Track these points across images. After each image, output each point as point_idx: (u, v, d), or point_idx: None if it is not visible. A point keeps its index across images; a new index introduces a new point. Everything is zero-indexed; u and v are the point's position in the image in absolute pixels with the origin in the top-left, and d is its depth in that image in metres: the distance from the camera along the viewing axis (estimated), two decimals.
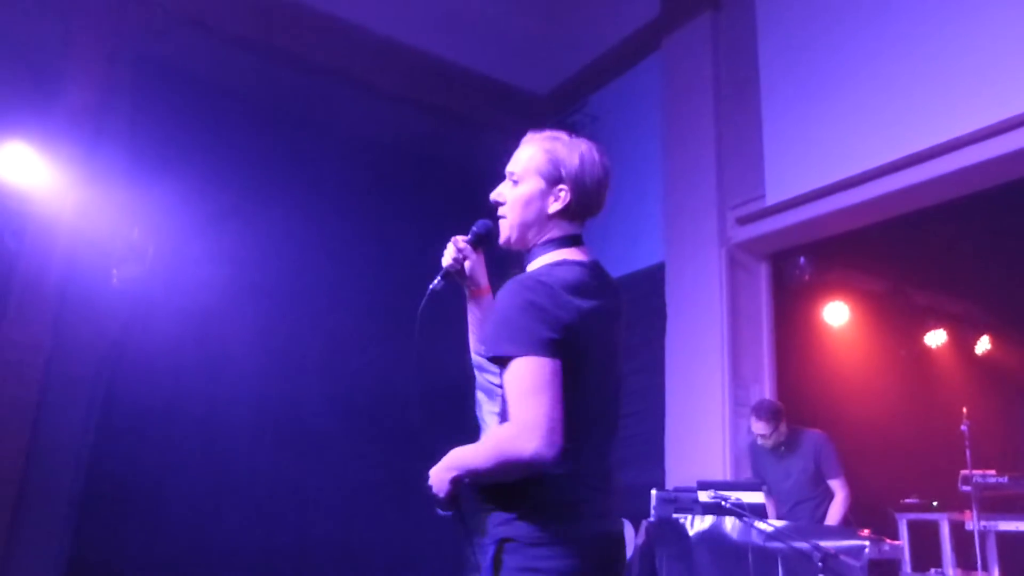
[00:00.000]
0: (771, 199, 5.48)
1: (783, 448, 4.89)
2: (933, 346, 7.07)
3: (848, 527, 4.29)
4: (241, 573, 5.34)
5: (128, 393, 5.11)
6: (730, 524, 3.86)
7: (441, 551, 5.67)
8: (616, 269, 6.65)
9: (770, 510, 4.87)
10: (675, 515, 4.17)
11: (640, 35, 6.66)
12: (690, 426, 5.52)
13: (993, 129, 4.40)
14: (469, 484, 1.77)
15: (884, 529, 5.50)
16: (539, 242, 1.88)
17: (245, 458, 5.46)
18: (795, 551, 3.58)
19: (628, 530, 5.64)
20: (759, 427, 4.82)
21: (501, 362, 1.69)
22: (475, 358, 1.92)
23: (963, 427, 5.61)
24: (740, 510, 3.70)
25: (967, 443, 5.58)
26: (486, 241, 1.99)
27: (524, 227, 1.88)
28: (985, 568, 5.66)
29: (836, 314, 6.50)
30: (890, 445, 6.30)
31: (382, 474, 5.86)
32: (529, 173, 1.88)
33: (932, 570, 5.67)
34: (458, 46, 6.67)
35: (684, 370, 5.67)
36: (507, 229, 1.90)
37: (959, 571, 5.59)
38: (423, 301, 1.95)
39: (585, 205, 1.89)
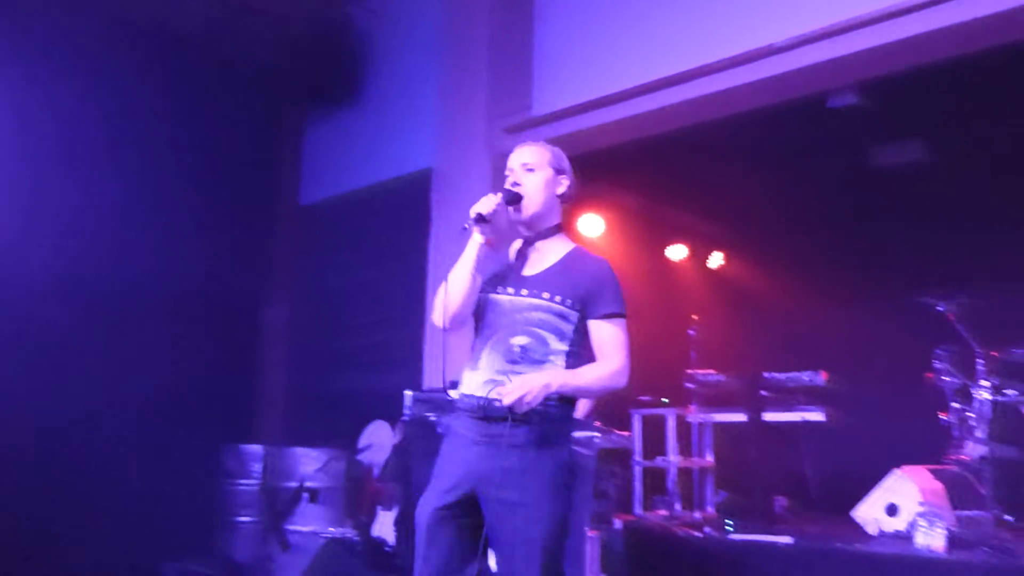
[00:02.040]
0: (538, 110, 5.61)
1: None
2: (674, 259, 7.73)
3: (583, 420, 4.65)
4: None
5: None
6: None
7: (204, 465, 5.45)
8: (384, 172, 6.63)
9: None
10: (428, 414, 4.30)
11: None
12: None
13: (743, 57, 4.76)
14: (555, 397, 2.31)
15: (621, 423, 6.06)
16: (552, 223, 2.49)
17: None
18: None
19: (386, 430, 5.75)
20: None
21: (615, 317, 2.40)
22: (555, 306, 2.36)
23: (691, 332, 6.26)
24: None
25: (694, 346, 6.25)
26: (516, 202, 2.41)
27: (543, 205, 2.46)
28: (701, 454, 6.45)
29: (592, 225, 6.88)
30: (631, 347, 6.87)
31: (132, 373, 5.45)
32: (542, 165, 2.47)
33: (658, 458, 6.37)
34: None
35: (446, 276, 5.76)
36: (532, 206, 2.44)
37: (680, 458, 6.32)
38: (460, 236, 2.39)
39: (572, 195, 2.56)
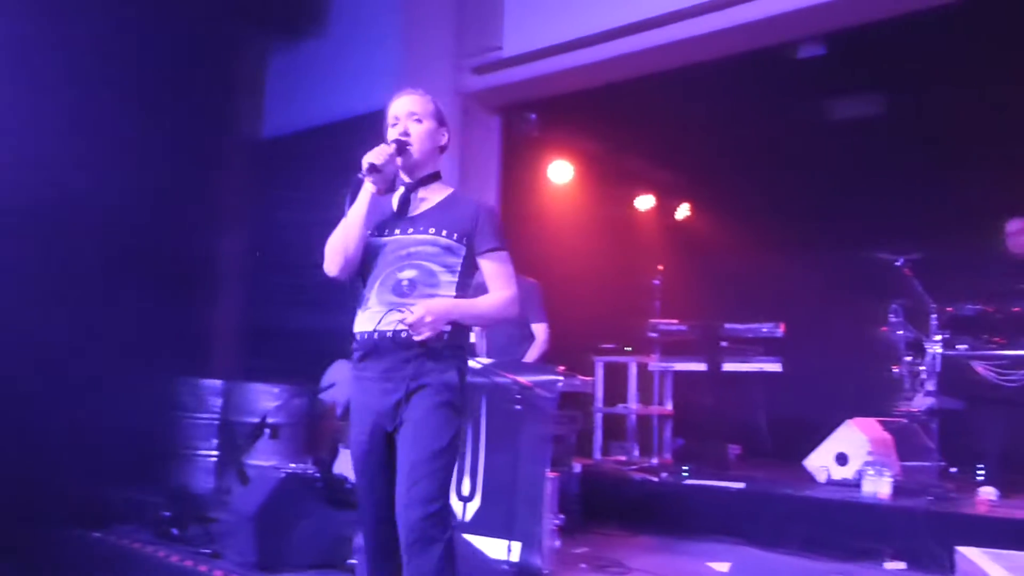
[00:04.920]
0: (508, 51, 5.52)
1: None
2: (642, 209, 7.74)
3: (545, 364, 4.68)
4: None
5: None
6: None
7: (159, 398, 5.36)
8: (346, 110, 6.48)
9: (481, 347, 5.18)
10: None
11: None
12: None
13: (717, 4, 4.71)
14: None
15: (584, 369, 6.11)
16: (432, 171, 2.57)
17: None
18: (497, 385, 3.85)
19: (340, 372, 5.73)
20: None
21: (499, 251, 2.51)
22: (441, 240, 2.45)
23: (656, 282, 6.31)
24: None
25: (658, 296, 6.30)
26: (403, 151, 2.46)
27: (425, 155, 2.53)
28: (660, 402, 6.56)
29: (560, 172, 6.83)
30: (596, 296, 6.91)
31: (86, 306, 5.30)
32: (428, 116, 2.54)
33: (619, 405, 6.46)
34: None
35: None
36: (416, 154, 2.50)
37: (640, 405, 6.42)
38: (351, 187, 2.44)
39: (447, 147, 2.63)
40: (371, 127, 5.98)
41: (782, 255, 7.31)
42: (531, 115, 6.05)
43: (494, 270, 2.52)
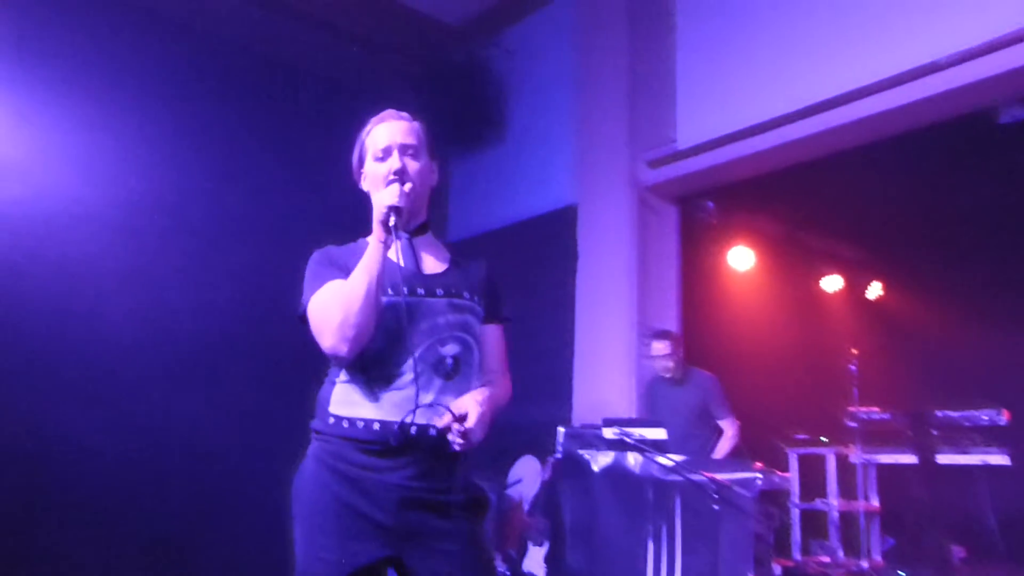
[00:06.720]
0: (683, 143, 5.54)
1: (676, 382, 5.05)
2: (829, 291, 7.39)
3: (740, 460, 4.48)
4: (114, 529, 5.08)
5: None
6: (632, 459, 3.99)
7: None
8: (527, 210, 6.71)
9: None
10: (580, 451, 4.27)
11: None
12: (598, 365, 5.62)
13: (904, 76, 4.52)
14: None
15: (776, 462, 5.80)
16: (423, 219, 2.09)
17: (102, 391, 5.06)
18: (692, 483, 3.73)
19: (535, 465, 5.75)
20: (660, 346, 4.97)
21: (506, 323, 2.13)
22: (477, 308, 2.05)
23: (852, 367, 5.93)
24: (643, 446, 3.82)
25: (855, 382, 5.91)
26: (409, 194, 2.04)
27: (423, 199, 2.07)
28: (866, 498, 6.06)
29: (740, 258, 6.68)
30: (785, 384, 6.59)
31: (276, 404, 5.69)
32: (423, 150, 2.07)
33: (818, 500, 6.04)
34: None
35: (594, 310, 5.74)
36: (416, 198, 2.02)
37: (842, 501, 5.97)
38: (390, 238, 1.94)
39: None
40: (554, 225, 6.22)
41: (997, 332, 6.68)
42: (708, 203, 6.00)
43: (500, 346, 2.11)
